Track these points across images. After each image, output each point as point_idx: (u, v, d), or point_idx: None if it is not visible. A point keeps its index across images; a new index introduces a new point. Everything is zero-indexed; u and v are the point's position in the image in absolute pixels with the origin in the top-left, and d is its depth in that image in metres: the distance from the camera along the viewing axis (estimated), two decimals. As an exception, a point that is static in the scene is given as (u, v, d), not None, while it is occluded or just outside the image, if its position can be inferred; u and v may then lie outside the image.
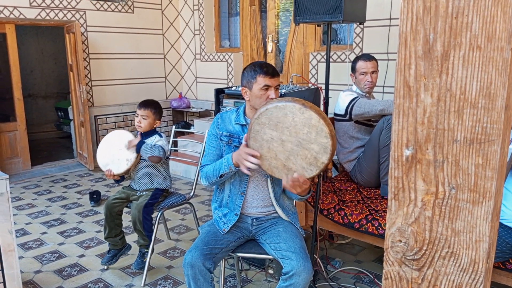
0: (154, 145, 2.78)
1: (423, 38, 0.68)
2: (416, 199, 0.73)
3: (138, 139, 2.81)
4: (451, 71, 0.67)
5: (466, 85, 0.67)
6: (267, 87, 2.08)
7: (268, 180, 2.14)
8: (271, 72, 2.08)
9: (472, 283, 0.72)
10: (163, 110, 6.39)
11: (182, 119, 6.69)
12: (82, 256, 3.24)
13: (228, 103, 3.14)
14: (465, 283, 0.72)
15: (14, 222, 2.45)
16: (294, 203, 2.34)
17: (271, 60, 5.46)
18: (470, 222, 0.70)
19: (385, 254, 0.78)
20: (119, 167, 2.79)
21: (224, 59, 6.04)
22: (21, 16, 5.08)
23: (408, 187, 0.73)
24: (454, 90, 0.67)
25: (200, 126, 5.72)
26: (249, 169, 1.93)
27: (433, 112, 0.69)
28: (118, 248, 2.95)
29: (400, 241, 0.76)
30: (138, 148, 2.76)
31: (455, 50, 0.67)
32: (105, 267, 3.03)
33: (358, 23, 3.01)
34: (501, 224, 2.07)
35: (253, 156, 1.89)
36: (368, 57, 2.96)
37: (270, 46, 5.46)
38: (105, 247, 3.29)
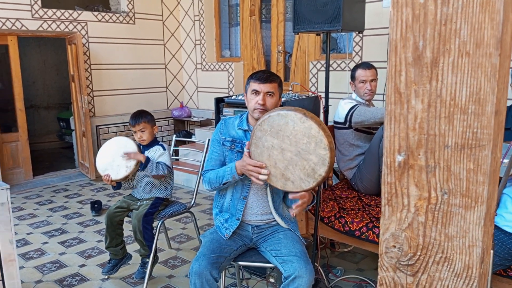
0: (158, 162, 2.78)
1: (413, 45, 0.69)
2: (409, 205, 0.74)
3: (139, 155, 2.78)
4: (441, 77, 0.68)
5: (456, 91, 0.67)
6: (255, 92, 2.11)
7: (268, 188, 2.15)
8: (263, 78, 2.10)
9: (466, 288, 0.72)
10: (165, 119, 6.46)
11: (183, 128, 6.72)
12: (83, 265, 3.23)
13: (228, 111, 3.15)
14: (459, 288, 0.72)
15: (15, 232, 2.45)
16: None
17: (279, 70, 5.49)
18: (463, 227, 0.70)
19: (379, 259, 0.79)
20: (118, 173, 2.79)
21: (224, 69, 6.08)
22: (23, 28, 5.13)
23: (401, 193, 0.74)
24: (444, 96, 0.68)
25: (201, 135, 5.73)
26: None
27: (424, 118, 0.70)
28: (119, 258, 2.94)
29: (394, 246, 0.76)
30: (144, 166, 2.76)
31: (444, 56, 0.67)
32: (106, 277, 3.02)
33: (357, 32, 3.03)
34: (503, 231, 2.06)
35: (260, 167, 1.92)
36: (367, 66, 2.97)
37: (280, 56, 5.51)
38: (106, 256, 3.28)
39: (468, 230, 0.70)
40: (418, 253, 0.74)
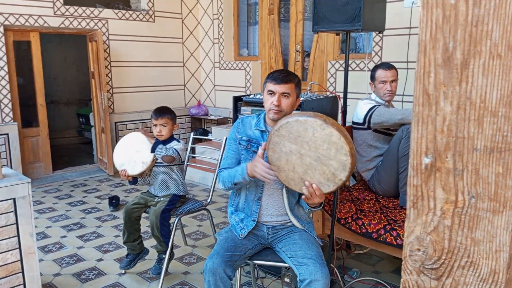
0: (169, 147, 2.81)
1: (443, 46, 0.68)
2: (435, 208, 0.73)
3: (151, 139, 2.87)
4: (471, 79, 0.67)
5: (486, 94, 0.66)
6: (271, 93, 2.08)
7: (284, 189, 2.13)
8: (279, 78, 2.07)
9: (492, 294, 0.71)
10: (182, 117, 6.50)
11: (200, 126, 6.75)
12: (100, 260, 3.28)
13: (246, 110, 3.16)
14: (485, 294, 0.71)
15: (35, 226, 2.50)
16: (310, 214, 2.32)
17: (297, 69, 5.47)
18: (490, 231, 0.69)
19: (403, 262, 0.78)
20: (134, 169, 2.83)
21: (242, 68, 6.08)
22: (45, 25, 5.23)
23: (427, 196, 0.73)
24: (474, 99, 0.67)
25: (217, 133, 5.75)
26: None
27: (453, 120, 0.69)
28: (136, 253, 2.98)
29: (419, 249, 0.75)
30: (154, 148, 2.80)
31: (475, 58, 0.66)
32: (123, 271, 3.06)
33: (377, 32, 3.00)
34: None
35: (268, 172, 1.92)
36: (387, 66, 2.94)
37: (298, 56, 5.49)
38: (122, 251, 3.32)
39: (495, 234, 0.69)
40: (443, 257, 0.73)
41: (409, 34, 4.09)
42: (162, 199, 2.89)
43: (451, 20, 0.68)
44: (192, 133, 3.50)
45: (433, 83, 0.70)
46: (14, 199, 2.37)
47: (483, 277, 0.72)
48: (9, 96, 5.06)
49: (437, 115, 0.70)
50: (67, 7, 5.36)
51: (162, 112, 2.87)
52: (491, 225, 0.69)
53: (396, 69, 2.96)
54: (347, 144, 1.72)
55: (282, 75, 2.08)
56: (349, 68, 4.17)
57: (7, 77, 5.02)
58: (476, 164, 0.69)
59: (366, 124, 2.90)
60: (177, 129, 3.02)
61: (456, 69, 0.68)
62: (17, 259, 2.42)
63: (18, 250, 2.42)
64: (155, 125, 2.87)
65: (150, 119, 6.09)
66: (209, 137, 5.92)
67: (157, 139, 2.91)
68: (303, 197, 1.92)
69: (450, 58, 0.68)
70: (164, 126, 2.86)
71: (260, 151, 1.97)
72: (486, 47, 0.66)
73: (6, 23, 4.96)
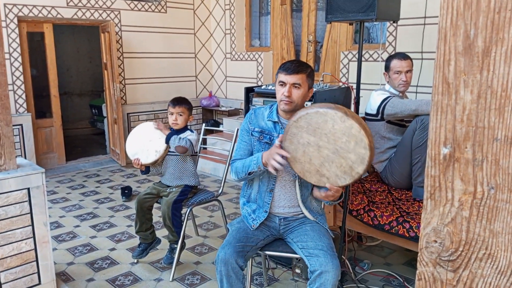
0: (183, 137, 2.83)
1: (464, 33, 0.67)
2: (453, 199, 0.72)
3: (165, 130, 2.89)
4: (493, 68, 0.65)
5: (508, 82, 0.65)
6: (282, 83, 2.07)
7: (297, 181, 2.13)
8: (290, 69, 2.05)
9: (510, 287, 0.69)
10: (194, 108, 6.49)
11: (212, 117, 6.75)
12: (113, 249, 3.31)
13: (257, 101, 3.14)
14: (502, 286, 0.70)
15: (49, 215, 2.53)
16: (322, 205, 2.31)
17: (310, 60, 5.43)
18: (510, 223, 0.68)
19: (419, 254, 0.77)
20: (148, 157, 2.86)
21: (254, 58, 6.06)
22: (59, 16, 5.25)
23: (445, 186, 0.72)
24: (495, 87, 0.65)
25: (229, 124, 5.75)
26: (276, 170, 1.93)
27: (473, 110, 0.67)
28: (149, 242, 3.01)
29: (435, 241, 0.74)
30: (168, 138, 2.82)
31: (497, 46, 0.65)
32: (135, 261, 3.09)
33: (391, 22, 2.96)
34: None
35: (282, 156, 1.89)
36: (403, 56, 2.90)
37: (310, 46, 5.44)
38: (135, 241, 3.35)
39: (515, 227, 0.68)
40: (460, 249, 0.72)
41: (424, 24, 4.02)
42: (174, 189, 2.91)
43: (473, 7, 0.66)
44: (203, 124, 3.50)
45: (453, 71, 0.68)
46: (28, 188, 2.40)
47: (501, 270, 0.70)
48: (23, 87, 5.10)
49: (456, 104, 0.68)
50: (80, -2, 5.37)
51: (180, 101, 2.90)
52: (510, 217, 0.68)
53: (411, 59, 2.92)
54: (367, 137, 1.71)
55: (293, 66, 2.06)
56: (362, 59, 4.12)
57: (21, 68, 5.07)
58: (496, 155, 0.67)
59: (380, 115, 2.87)
60: (192, 120, 3.03)
61: (477, 57, 0.66)
62: (31, 248, 2.46)
63: (32, 239, 2.46)
64: (171, 114, 2.89)
65: (162, 110, 6.15)
66: (220, 128, 5.92)
67: (171, 129, 2.93)
68: (315, 194, 1.91)
69: (471, 45, 0.66)
70: (181, 115, 2.88)
71: (277, 142, 1.96)
72: (509, 34, 0.64)
73: (20, 14, 4.99)
